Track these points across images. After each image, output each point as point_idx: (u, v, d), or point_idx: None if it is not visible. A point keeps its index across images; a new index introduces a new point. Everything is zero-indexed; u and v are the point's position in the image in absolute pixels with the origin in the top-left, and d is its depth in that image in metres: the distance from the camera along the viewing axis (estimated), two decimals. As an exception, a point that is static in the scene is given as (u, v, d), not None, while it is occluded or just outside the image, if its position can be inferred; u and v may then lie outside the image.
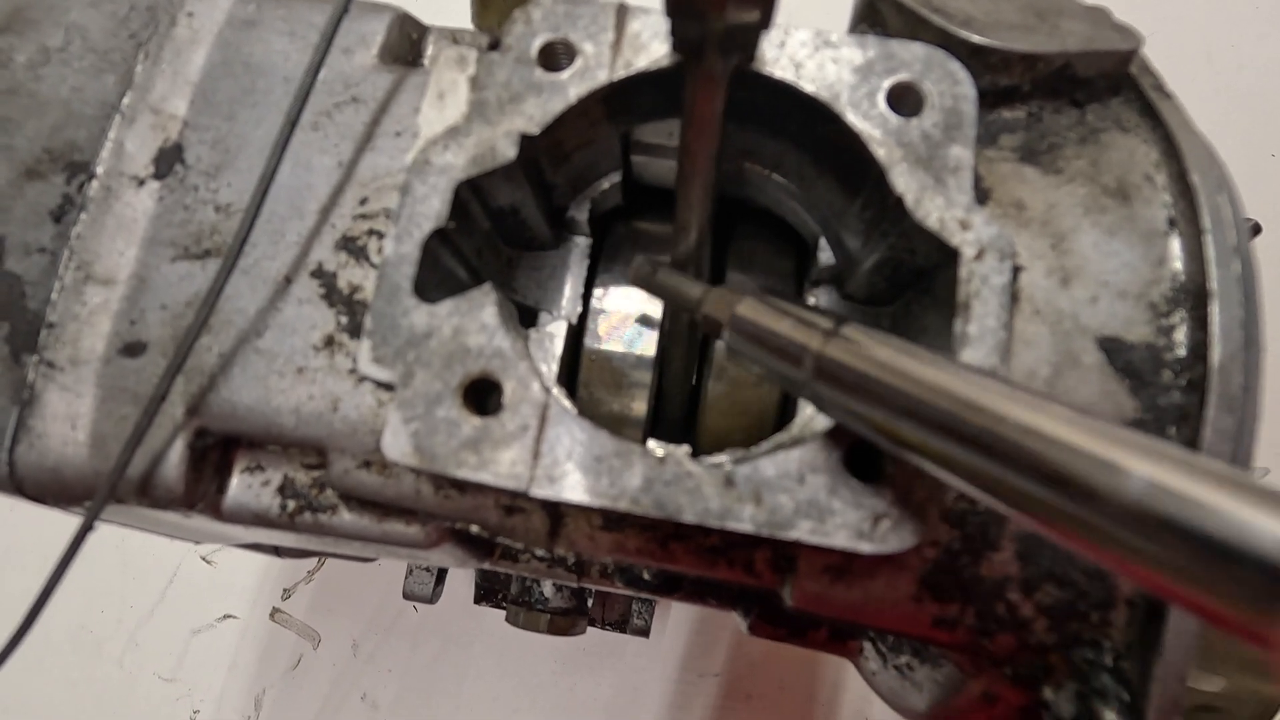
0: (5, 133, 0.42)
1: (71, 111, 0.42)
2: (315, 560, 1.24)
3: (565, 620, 0.71)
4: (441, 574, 0.92)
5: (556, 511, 0.38)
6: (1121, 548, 0.16)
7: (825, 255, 0.43)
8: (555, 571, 0.56)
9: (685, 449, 0.32)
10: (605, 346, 0.45)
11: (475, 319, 0.32)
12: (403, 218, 0.33)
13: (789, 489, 0.30)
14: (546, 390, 0.31)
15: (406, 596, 0.90)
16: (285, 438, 0.39)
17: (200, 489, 0.40)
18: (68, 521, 0.40)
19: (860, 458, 0.30)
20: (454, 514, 0.39)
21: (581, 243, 0.45)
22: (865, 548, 0.29)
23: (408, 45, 0.46)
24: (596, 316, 0.46)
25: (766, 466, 0.30)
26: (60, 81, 0.42)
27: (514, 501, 0.38)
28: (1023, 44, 0.37)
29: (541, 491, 0.30)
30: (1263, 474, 0.90)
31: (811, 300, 0.44)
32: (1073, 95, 0.39)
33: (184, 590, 1.22)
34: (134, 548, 1.24)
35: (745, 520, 0.29)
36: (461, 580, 1.18)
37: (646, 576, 0.53)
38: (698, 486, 0.30)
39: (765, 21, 0.28)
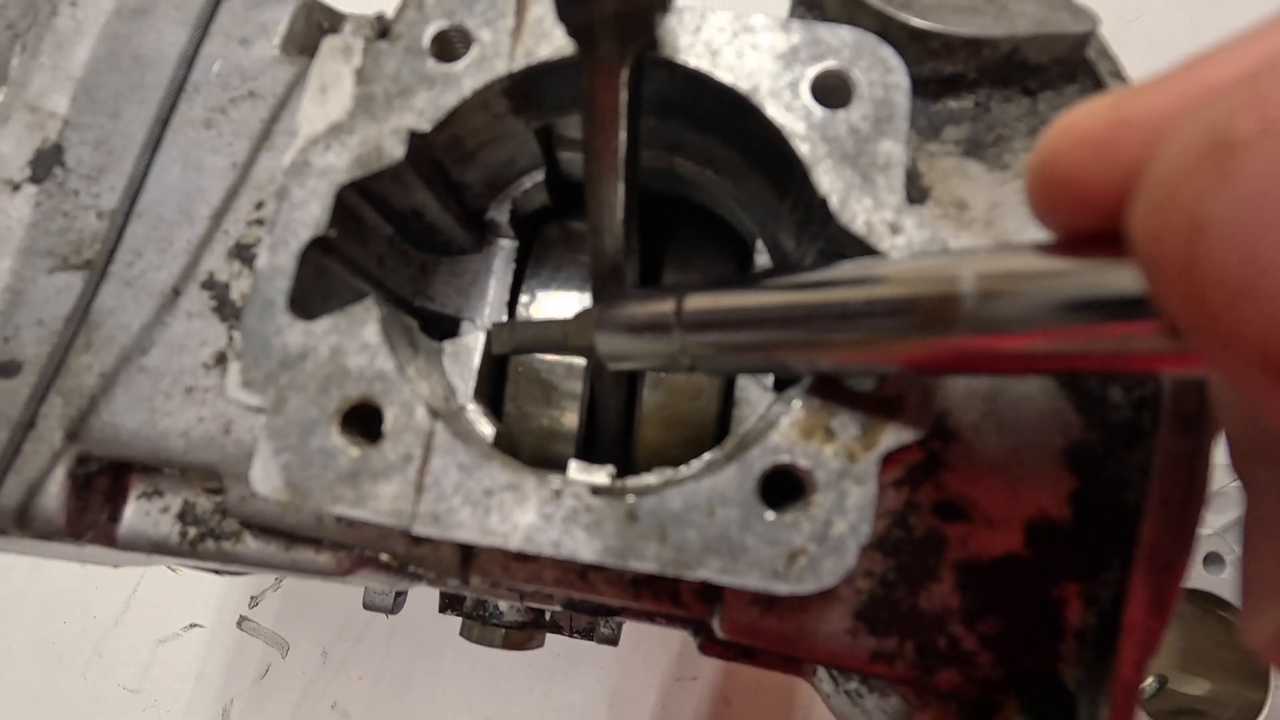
0: None
1: (-59, 110, 0.38)
2: (283, 567, 1.21)
3: (521, 634, 0.69)
4: (403, 583, 0.89)
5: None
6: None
7: (763, 258, 0.40)
8: (497, 592, 0.53)
9: (597, 476, 0.29)
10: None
11: (355, 338, 0.29)
12: (278, 225, 0.30)
13: (697, 523, 0.27)
14: (433, 415, 0.28)
15: (367, 607, 0.88)
16: (175, 463, 0.36)
17: (87, 518, 0.37)
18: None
19: (775, 484, 0.27)
20: (359, 542, 0.36)
21: (506, 245, 0.42)
22: (780, 588, 0.26)
23: (317, 35, 0.43)
24: (523, 325, 0.42)
25: (673, 498, 0.27)
26: (-70, 78, 0.39)
27: (421, 530, 0.35)
28: (967, 28, 0.34)
29: (425, 529, 0.27)
30: None
31: None
32: (1024, 83, 0.36)
33: (148, 600, 1.19)
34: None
35: (649, 559, 0.27)
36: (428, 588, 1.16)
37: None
38: (597, 522, 0.27)
39: (662, 3, 0.25)
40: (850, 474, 0.27)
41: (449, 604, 0.92)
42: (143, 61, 0.39)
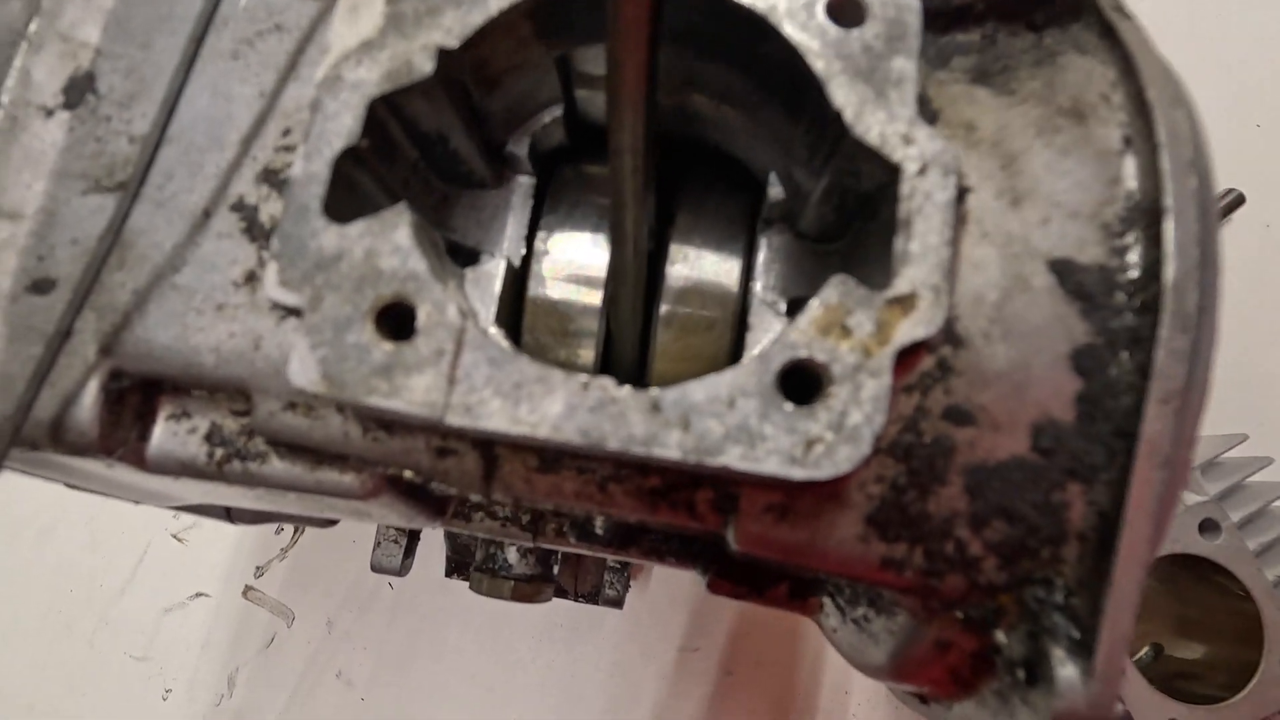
0: (-94, 62, 0.39)
1: (-24, 39, 0.39)
2: (289, 538, 1.22)
3: (529, 587, 0.70)
4: (411, 545, 0.90)
5: (490, 453, 0.36)
6: None
7: (775, 190, 0.41)
8: (510, 531, 0.54)
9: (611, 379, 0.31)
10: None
11: (388, 240, 0.30)
12: (312, 135, 0.31)
13: (718, 414, 0.28)
14: (464, 313, 0.29)
15: (374, 569, 0.89)
16: (205, 379, 0.38)
17: (119, 434, 0.38)
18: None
19: (793, 380, 0.28)
20: (384, 458, 0.38)
21: (525, 182, 0.43)
22: (797, 474, 0.27)
23: (341, -25, 0.44)
24: (541, 260, 0.44)
25: (695, 391, 0.28)
26: (-35, 8, 0.40)
27: (445, 443, 0.36)
28: (976, -42, 0.35)
29: (457, 420, 0.28)
30: (1265, 463, 0.88)
31: (764, 242, 0.42)
32: (1029, 18, 0.38)
33: (155, 569, 1.20)
34: (104, 526, 1.22)
35: (672, 446, 0.28)
36: (435, 557, 1.17)
37: (599, 530, 0.51)
38: (622, 412, 0.28)
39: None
40: (865, 368, 0.28)
41: (455, 568, 0.93)
42: (172, -6, 0.40)
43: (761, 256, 0.42)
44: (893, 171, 0.30)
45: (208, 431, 0.40)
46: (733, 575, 0.52)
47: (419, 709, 1.16)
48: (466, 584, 0.91)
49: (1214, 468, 0.93)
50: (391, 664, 1.17)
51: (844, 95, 0.31)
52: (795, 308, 0.40)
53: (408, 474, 0.38)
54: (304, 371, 0.29)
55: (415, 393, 0.28)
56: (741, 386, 0.28)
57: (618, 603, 0.89)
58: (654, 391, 0.29)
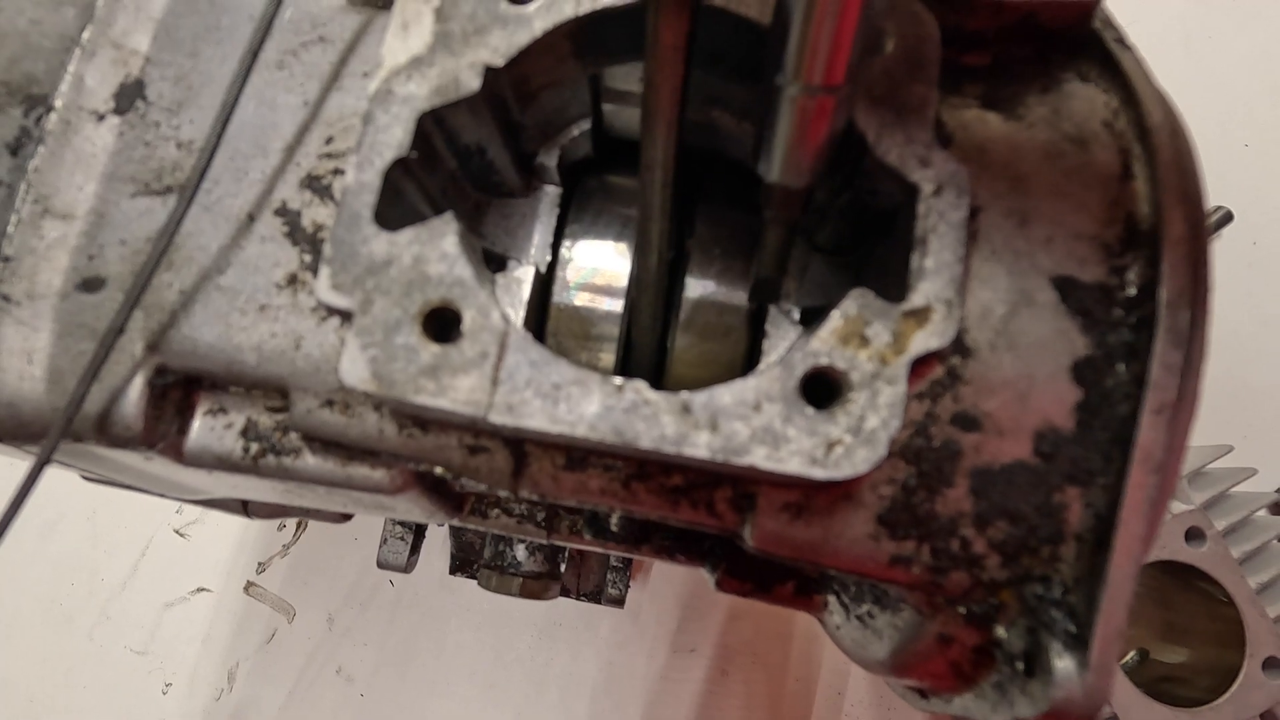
0: (-39, 65, 0.41)
1: (30, 44, 0.41)
2: (291, 534, 1.23)
3: (537, 583, 0.72)
4: (416, 542, 0.91)
5: (520, 451, 0.38)
6: None
7: (793, 205, 0.43)
8: (525, 528, 0.56)
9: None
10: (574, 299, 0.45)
11: (436, 247, 0.32)
12: (364, 146, 0.33)
13: (744, 416, 0.30)
14: (506, 318, 0.31)
15: (381, 565, 0.90)
16: (247, 376, 0.39)
17: (160, 429, 0.40)
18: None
19: (814, 386, 0.30)
20: (417, 454, 0.39)
21: (551, 191, 0.45)
22: (818, 473, 0.29)
23: (378, -11, 0.46)
24: (565, 267, 0.46)
25: (723, 394, 0.30)
26: (18, 13, 0.42)
27: (477, 441, 0.38)
28: (988, -9, 0.37)
29: (500, 418, 0.30)
30: (1249, 474, 0.91)
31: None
32: (1038, 47, 0.40)
33: (156, 563, 1.21)
34: (105, 520, 1.22)
35: (701, 446, 0.30)
36: (437, 554, 1.18)
37: (614, 528, 0.53)
38: (655, 414, 0.30)
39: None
40: (882, 375, 0.30)
41: (460, 565, 0.95)
42: (218, 5, 0.42)
43: (778, 267, 0.44)
44: (910, 191, 0.32)
45: (244, 427, 0.41)
46: (740, 573, 0.54)
47: (419, 706, 1.17)
48: (468, 581, 0.93)
49: (1200, 477, 0.96)
50: (392, 661, 1.19)
51: (865, 119, 0.33)
52: (809, 316, 0.42)
53: (438, 470, 0.40)
54: (354, 370, 0.30)
55: (460, 392, 0.30)
56: (766, 391, 0.30)
57: (620, 601, 0.91)
58: (684, 394, 0.30)
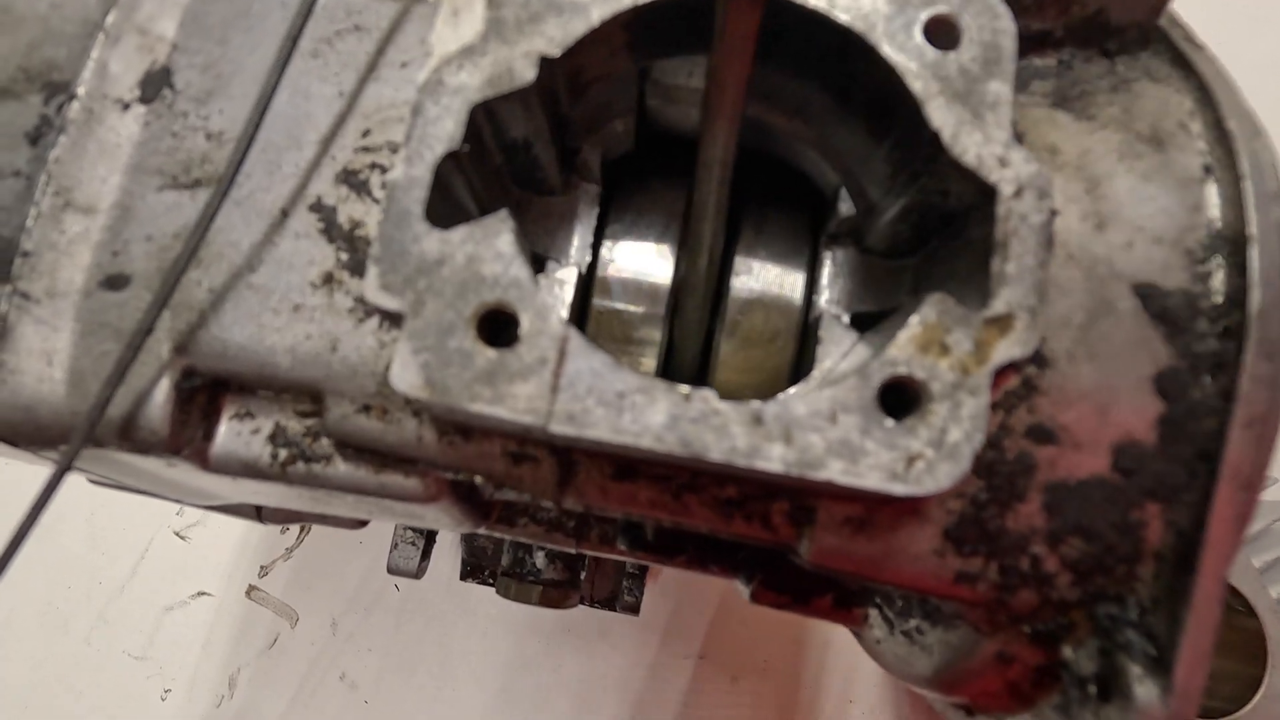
0: (-23, 50, 0.39)
1: (50, 28, 0.39)
2: (294, 537, 1.21)
3: (557, 592, 0.70)
4: (427, 548, 0.89)
5: (568, 460, 0.36)
6: None
7: (845, 206, 0.42)
8: (554, 537, 0.54)
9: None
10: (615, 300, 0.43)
11: (490, 246, 0.30)
12: (413, 139, 0.31)
13: (820, 428, 0.28)
14: (566, 323, 0.29)
15: (391, 571, 0.88)
16: (279, 380, 0.37)
17: (186, 434, 0.38)
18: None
19: (892, 396, 0.29)
20: (458, 463, 0.37)
21: (591, 190, 0.44)
22: (899, 489, 0.28)
23: (412, -23, 0.44)
24: (606, 267, 0.44)
25: (797, 405, 0.29)
26: (38, -3, 0.40)
27: (522, 449, 0.36)
28: (1058, -15, 0.36)
29: (561, 428, 0.28)
30: (1270, 482, 0.90)
31: (828, 257, 0.43)
32: (1103, 44, 0.38)
33: (156, 566, 1.18)
34: (104, 522, 1.20)
35: (774, 460, 0.28)
36: (444, 558, 1.16)
37: (650, 538, 0.51)
38: (725, 424, 0.29)
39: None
40: (964, 386, 0.29)
41: (471, 571, 0.93)
42: (249, -9, 0.40)
43: (827, 270, 0.42)
44: (988, 193, 0.31)
45: (271, 432, 0.40)
46: (777, 585, 0.53)
47: (424, 713, 1.15)
48: (474, 586, 0.91)
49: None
50: (396, 667, 1.16)
51: (941, 116, 0.31)
52: (859, 322, 0.40)
53: (478, 479, 0.38)
54: (406, 376, 0.29)
55: (519, 400, 0.29)
56: (843, 402, 0.29)
57: (635, 609, 0.89)
58: (755, 404, 0.29)
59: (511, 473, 0.37)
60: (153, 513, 1.19)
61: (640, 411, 0.29)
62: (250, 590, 1.18)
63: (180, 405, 0.37)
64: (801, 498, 0.35)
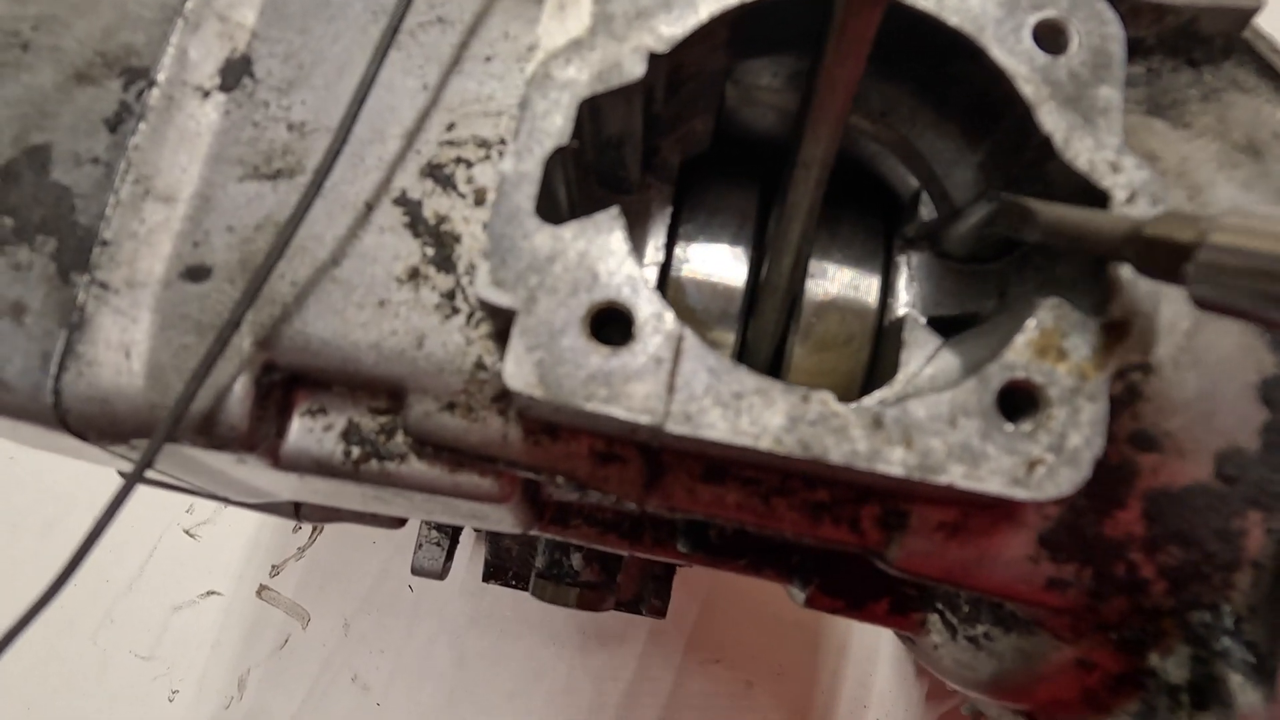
0: (50, 32, 0.38)
1: (127, 13, 0.38)
2: (306, 536, 1.20)
3: (594, 594, 0.69)
4: (451, 549, 0.88)
5: (657, 461, 0.36)
6: None
7: (926, 210, 0.41)
8: (607, 538, 0.54)
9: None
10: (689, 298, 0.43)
11: (603, 244, 0.30)
12: (522, 134, 0.30)
13: (940, 432, 0.28)
14: (681, 322, 0.29)
15: (415, 571, 0.87)
16: (361, 376, 0.37)
17: (262, 430, 0.37)
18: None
19: (1013, 400, 0.29)
20: (542, 463, 0.37)
21: (665, 189, 0.43)
22: (1020, 494, 0.28)
23: (489, -30, 0.43)
24: (680, 267, 0.43)
25: (916, 408, 0.28)
26: (113, -19, 0.39)
27: (610, 449, 0.36)
28: (1153, -6, 0.36)
29: (678, 428, 0.28)
30: None
31: (903, 260, 0.43)
32: (1190, 54, 0.39)
33: (165, 565, 1.16)
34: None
35: (895, 464, 0.28)
36: (458, 560, 1.15)
37: (713, 539, 0.51)
38: (844, 427, 0.28)
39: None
40: (1083, 391, 0.28)
41: (493, 573, 0.92)
42: (329, -20, 0.39)
43: (904, 274, 0.42)
44: (1099, 199, 0.30)
45: (345, 429, 0.39)
46: (833, 590, 0.52)
47: (437, 716, 1.13)
48: (489, 587, 0.90)
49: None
50: (409, 669, 1.15)
51: (1053, 121, 0.31)
52: (942, 326, 0.40)
53: (560, 480, 0.38)
54: (520, 375, 0.28)
55: (635, 400, 0.28)
56: (963, 405, 0.28)
57: (661, 611, 0.89)
58: (875, 407, 0.29)
59: (597, 473, 0.37)
60: (162, 509, 1.17)
61: (758, 413, 0.28)
62: (261, 590, 1.16)
63: (258, 401, 0.36)
64: (894, 502, 0.35)
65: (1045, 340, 0.29)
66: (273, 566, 1.17)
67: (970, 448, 0.28)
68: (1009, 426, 0.28)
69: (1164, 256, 0.23)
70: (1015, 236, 0.33)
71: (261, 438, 0.37)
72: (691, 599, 1.19)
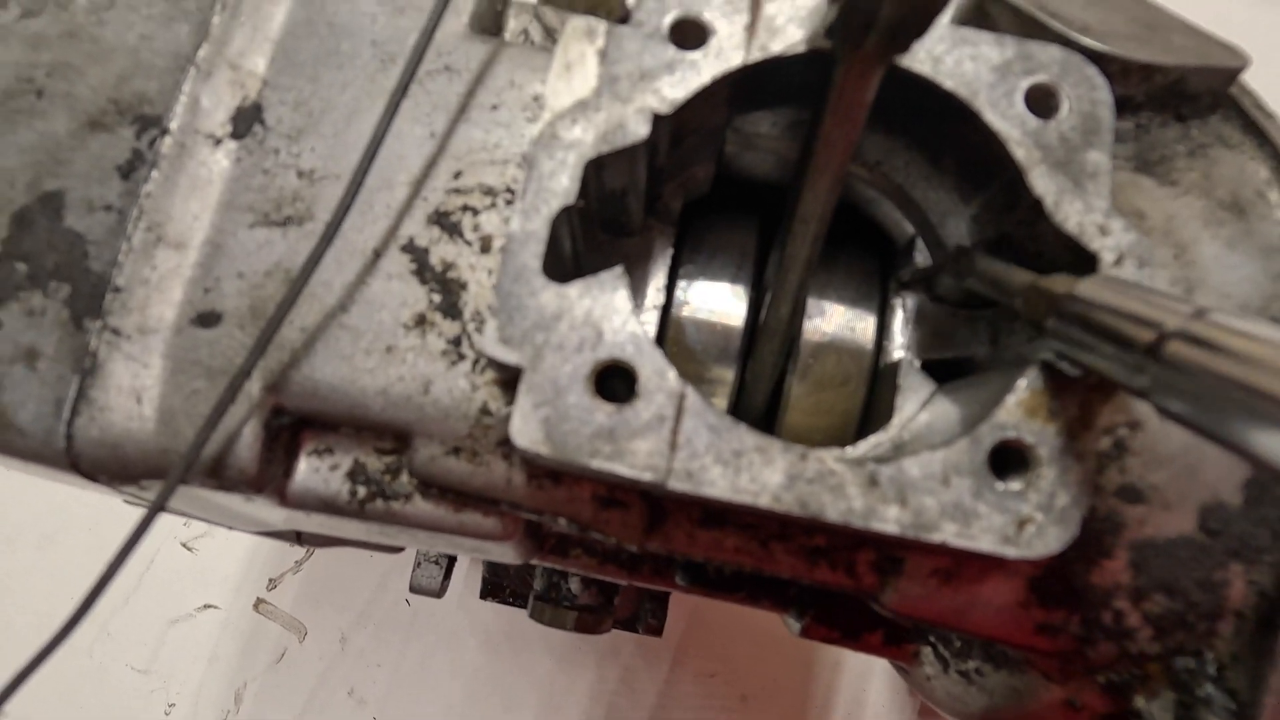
0: (64, 79, 0.38)
1: (140, 61, 0.39)
2: (303, 551, 1.20)
3: (592, 617, 0.70)
4: (450, 568, 0.89)
5: (659, 507, 0.36)
6: None
7: (921, 257, 0.42)
8: (607, 569, 0.54)
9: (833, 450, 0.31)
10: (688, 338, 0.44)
11: (608, 302, 0.30)
12: (529, 193, 0.31)
13: (933, 490, 0.29)
14: (682, 380, 0.30)
15: (414, 589, 0.87)
16: (369, 420, 0.37)
17: (270, 471, 0.38)
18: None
19: (1004, 460, 0.30)
20: (544, 506, 0.38)
21: (667, 231, 0.44)
22: (1011, 552, 0.29)
23: (493, 16, 0.44)
24: (680, 308, 0.44)
25: (911, 467, 0.29)
26: (126, 28, 0.39)
27: (612, 494, 0.37)
28: (1142, 54, 0.37)
29: (680, 485, 0.29)
30: None
31: (898, 303, 0.44)
32: (1178, 110, 0.40)
33: (162, 578, 1.16)
34: (108, 532, 1.17)
35: (890, 521, 0.29)
36: (457, 575, 1.15)
37: (710, 573, 0.52)
38: (841, 485, 0.29)
39: (941, 7, 0.27)
40: (1071, 450, 0.29)
41: (490, 590, 0.92)
42: (339, 29, 0.40)
43: (899, 317, 0.43)
44: (1088, 260, 0.31)
45: (350, 469, 0.40)
46: (828, 621, 0.53)
47: (433, 730, 1.14)
48: (485, 602, 0.90)
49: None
50: (406, 683, 1.16)
51: (1044, 184, 0.32)
52: (935, 369, 0.41)
53: (562, 522, 0.39)
54: (527, 431, 0.29)
55: (638, 457, 0.29)
56: (955, 464, 0.29)
57: (658, 630, 0.89)
58: (870, 465, 0.29)
59: (599, 517, 0.37)
60: (159, 524, 1.17)
61: (758, 470, 0.29)
62: (258, 603, 1.16)
63: (267, 444, 0.37)
64: (890, 548, 0.36)
65: (1035, 400, 0.30)
66: (270, 580, 1.18)
67: (963, 506, 0.29)
68: (1000, 485, 0.29)
69: (1041, 304, 0.28)
70: (962, 283, 0.35)
71: (269, 479, 0.38)
72: (687, 614, 1.20)
